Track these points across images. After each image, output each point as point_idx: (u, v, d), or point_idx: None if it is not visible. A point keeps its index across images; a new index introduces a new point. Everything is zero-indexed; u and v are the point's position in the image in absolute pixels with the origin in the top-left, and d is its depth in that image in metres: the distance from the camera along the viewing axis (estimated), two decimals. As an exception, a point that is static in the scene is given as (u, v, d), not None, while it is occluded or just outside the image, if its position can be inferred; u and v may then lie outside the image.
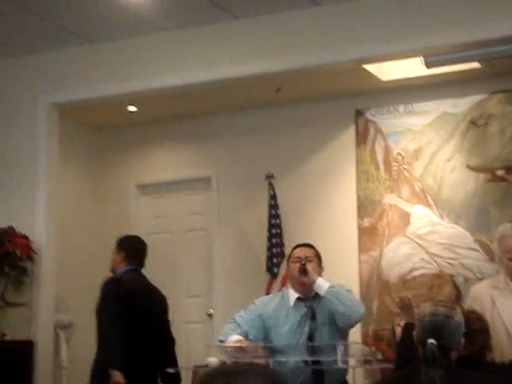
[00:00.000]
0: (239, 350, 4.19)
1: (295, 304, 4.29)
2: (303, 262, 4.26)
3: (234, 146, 7.20)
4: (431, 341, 2.76)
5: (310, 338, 4.19)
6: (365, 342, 6.38)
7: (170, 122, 7.43)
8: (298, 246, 4.60)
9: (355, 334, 6.39)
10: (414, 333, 2.90)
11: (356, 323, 4.34)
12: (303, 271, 4.20)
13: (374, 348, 5.83)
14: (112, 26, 5.79)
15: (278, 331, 4.28)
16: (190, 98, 6.69)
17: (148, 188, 7.65)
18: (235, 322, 4.34)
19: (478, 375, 2.90)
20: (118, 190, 7.73)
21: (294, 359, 4.20)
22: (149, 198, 7.68)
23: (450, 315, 2.85)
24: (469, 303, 3.89)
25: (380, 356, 4.12)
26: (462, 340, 2.88)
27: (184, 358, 7.18)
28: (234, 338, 4.14)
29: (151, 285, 5.23)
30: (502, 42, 5.12)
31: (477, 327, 3.22)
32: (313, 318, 4.22)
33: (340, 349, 3.85)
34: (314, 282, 4.18)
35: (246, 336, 4.30)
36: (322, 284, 4.17)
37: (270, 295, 4.86)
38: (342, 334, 4.23)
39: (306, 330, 4.22)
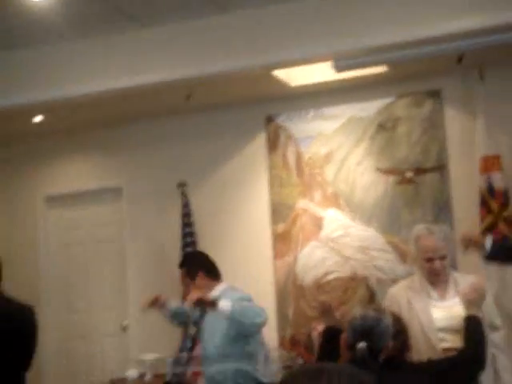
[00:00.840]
0: (159, 362, 4.18)
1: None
2: (195, 298, 4.31)
3: (144, 155, 7.11)
4: (362, 344, 2.77)
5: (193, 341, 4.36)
6: (282, 347, 6.41)
7: (78, 132, 7.26)
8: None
9: (272, 339, 6.41)
10: (343, 336, 2.91)
11: (255, 333, 4.51)
12: (200, 305, 4.36)
13: (292, 353, 5.84)
14: (15, 35, 5.63)
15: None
16: (98, 107, 6.55)
17: (57, 200, 7.46)
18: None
19: (401, 377, 2.93)
20: (26, 202, 7.52)
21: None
22: (58, 209, 7.49)
23: (379, 319, 2.88)
24: (386, 304, 3.92)
25: (300, 360, 4.14)
26: (390, 343, 2.91)
27: (99, 370, 7.06)
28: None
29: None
30: (409, 45, 5.21)
31: (396, 328, 3.24)
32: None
33: (260, 358, 3.84)
34: (216, 308, 4.28)
35: None
36: (224, 309, 4.26)
37: None
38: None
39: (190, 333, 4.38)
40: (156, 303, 4.73)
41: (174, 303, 4.73)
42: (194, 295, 4.29)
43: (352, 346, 2.84)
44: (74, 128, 7.22)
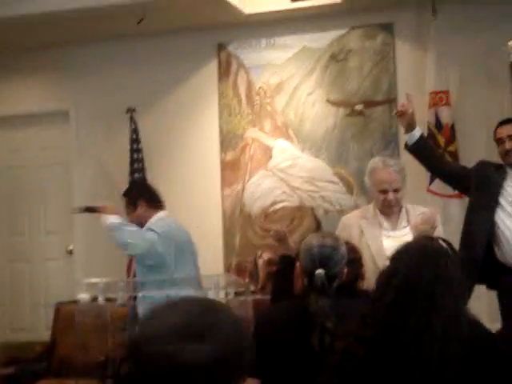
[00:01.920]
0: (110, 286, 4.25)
1: None
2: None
3: (93, 79, 6.98)
4: (320, 271, 2.83)
5: None
6: (228, 274, 6.49)
7: (25, 53, 7.06)
8: None
9: (218, 265, 6.50)
10: (298, 264, 2.96)
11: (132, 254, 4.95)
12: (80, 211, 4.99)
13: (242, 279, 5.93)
14: None
15: None
16: (47, 27, 6.40)
17: (3, 121, 7.29)
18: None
19: (355, 302, 3.00)
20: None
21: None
22: (3, 131, 7.34)
23: (336, 246, 2.94)
24: (338, 232, 4.00)
25: (252, 287, 4.21)
26: (345, 270, 2.98)
27: (43, 295, 7.07)
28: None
29: None
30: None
31: (350, 257, 3.31)
32: None
33: (214, 280, 3.91)
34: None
35: None
36: (104, 220, 4.72)
37: None
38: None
39: None
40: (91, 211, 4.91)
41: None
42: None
43: (309, 273, 2.90)
44: (21, 49, 7.02)
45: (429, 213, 3.83)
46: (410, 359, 2.13)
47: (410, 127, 4.33)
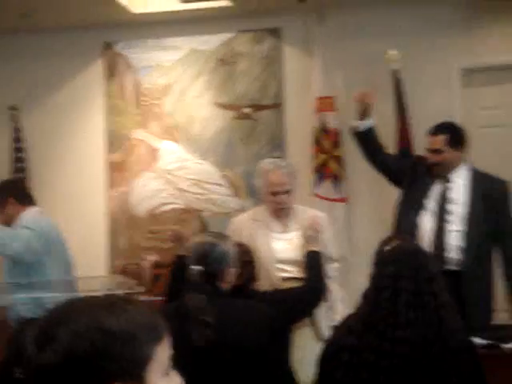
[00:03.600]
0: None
1: None
2: None
3: (-27, 75, 6.73)
4: (194, 267, 2.85)
5: None
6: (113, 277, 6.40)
7: None
8: None
9: (101, 268, 6.39)
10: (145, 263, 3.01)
11: (11, 258, 4.61)
12: None
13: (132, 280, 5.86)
14: None
15: None
16: None
17: None
18: None
19: (245, 303, 3.03)
20: None
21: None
22: None
23: (215, 243, 2.95)
24: (229, 234, 4.00)
25: (142, 288, 4.17)
26: (231, 269, 2.99)
27: None
28: None
29: None
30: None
31: (244, 259, 3.33)
32: None
33: (102, 281, 3.86)
34: None
35: None
36: None
37: None
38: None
39: None
40: None
41: None
42: None
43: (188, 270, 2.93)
44: None
45: (312, 219, 3.88)
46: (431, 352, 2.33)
47: (363, 115, 4.72)
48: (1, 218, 4.66)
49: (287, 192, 3.88)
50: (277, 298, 3.34)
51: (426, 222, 4.38)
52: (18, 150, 6.45)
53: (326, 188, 6.09)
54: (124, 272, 6.48)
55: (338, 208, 6.01)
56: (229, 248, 3.03)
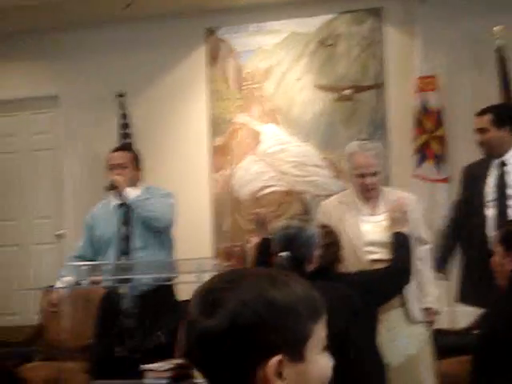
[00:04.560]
0: (94, 268, 4.28)
1: (116, 209, 4.66)
2: (111, 181, 4.56)
3: (83, 64, 6.97)
4: (282, 253, 2.87)
5: (127, 239, 4.47)
6: (217, 259, 6.52)
7: (14, 38, 7.05)
8: (114, 149, 4.85)
9: (207, 250, 6.52)
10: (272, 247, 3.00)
11: (163, 228, 4.65)
12: (108, 188, 4.58)
13: (228, 263, 5.96)
14: None
15: (98, 234, 4.50)
16: (35, 12, 6.39)
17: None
18: (76, 257, 4.57)
19: (327, 284, 3.04)
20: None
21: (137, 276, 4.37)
22: (-6, 116, 7.36)
23: (301, 228, 2.97)
24: (319, 218, 4.02)
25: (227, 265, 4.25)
26: (316, 252, 3.00)
27: (33, 279, 7.09)
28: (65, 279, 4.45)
29: None
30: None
31: (328, 241, 3.34)
32: (127, 221, 4.46)
33: (196, 265, 3.93)
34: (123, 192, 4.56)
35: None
36: (129, 194, 4.55)
37: (103, 201, 4.90)
38: (158, 233, 4.62)
39: (123, 232, 4.47)
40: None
41: None
42: (113, 176, 4.56)
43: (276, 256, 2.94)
44: (11, 33, 7.01)
45: (399, 200, 3.84)
46: None
47: None
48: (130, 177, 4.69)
49: (374, 174, 3.85)
50: (362, 280, 3.33)
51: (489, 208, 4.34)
52: (124, 135, 6.65)
53: (428, 168, 6.00)
54: (228, 254, 6.59)
55: (439, 189, 5.91)
56: (314, 231, 3.05)
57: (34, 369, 5.49)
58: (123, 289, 4.51)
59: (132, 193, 4.57)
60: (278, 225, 3.07)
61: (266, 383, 1.27)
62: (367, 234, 3.82)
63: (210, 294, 1.30)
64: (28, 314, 6.87)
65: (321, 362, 1.31)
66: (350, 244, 3.75)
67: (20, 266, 7.22)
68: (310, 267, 3.01)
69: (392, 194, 3.96)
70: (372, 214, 3.90)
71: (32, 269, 7.17)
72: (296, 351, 1.28)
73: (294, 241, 2.96)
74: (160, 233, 4.65)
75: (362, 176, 3.85)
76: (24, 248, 7.26)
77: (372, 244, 3.80)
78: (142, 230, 4.60)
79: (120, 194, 4.58)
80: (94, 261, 4.61)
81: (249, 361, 1.26)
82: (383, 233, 3.76)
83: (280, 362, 1.26)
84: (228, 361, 1.27)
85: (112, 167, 4.67)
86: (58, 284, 4.57)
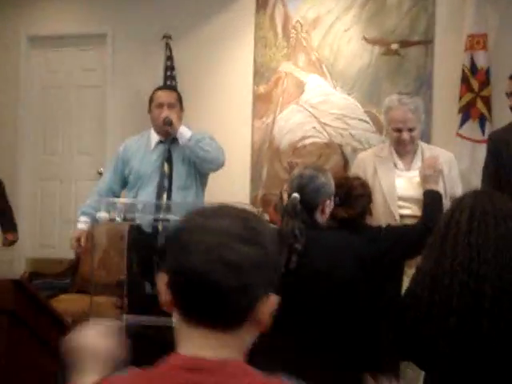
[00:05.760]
0: (131, 206, 4.33)
1: (156, 146, 4.53)
2: (167, 116, 4.52)
3: (132, 3, 6.97)
4: (294, 194, 2.93)
5: (170, 177, 4.45)
6: (253, 206, 6.56)
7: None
8: (160, 88, 4.84)
9: (245, 197, 6.57)
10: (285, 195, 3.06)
11: (216, 169, 4.68)
12: (168, 123, 4.41)
13: (261, 209, 6.00)
14: None
15: (135, 168, 4.51)
16: None
17: (40, 41, 7.36)
18: (103, 191, 4.58)
19: (338, 235, 3.07)
20: (8, 41, 7.43)
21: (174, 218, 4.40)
22: (41, 51, 7.41)
23: (315, 175, 3.02)
24: (353, 170, 4.03)
25: (266, 217, 4.28)
26: (328, 201, 3.04)
27: (73, 214, 7.21)
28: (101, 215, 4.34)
29: None
30: None
31: (358, 192, 3.36)
32: (169, 159, 4.49)
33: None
34: (177, 131, 4.51)
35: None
36: (184, 133, 4.52)
37: (135, 136, 4.89)
38: (200, 175, 4.62)
39: (165, 170, 4.49)
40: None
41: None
42: (167, 112, 4.50)
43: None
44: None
45: (431, 158, 3.82)
46: None
47: None
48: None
49: (411, 129, 3.83)
50: (390, 233, 3.34)
51: None
52: (169, 77, 6.67)
53: (471, 128, 5.93)
54: (264, 202, 6.63)
55: (481, 149, 5.83)
56: (327, 181, 3.08)
57: (66, 301, 5.64)
58: (151, 227, 4.55)
59: (187, 132, 4.55)
60: (294, 173, 3.12)
61: (262, 317, 1.34)
62: (400, 188, 3.82)
63: (239, 229, 1.36)
64: (67, 247, 7.00)
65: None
66: (382, 197, 3.76)
67: (61, 200, 7.35)
68: (324, 217, 3.05)
69: (430, 151, 3.94)
70: (407, 170, 3.89)
71: (73, 204, 7.28)
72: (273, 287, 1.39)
73: (305, 187, 3.02)
74: (201, 174, 4.68)
75: (399, 130, 3.83)
76: (65, 183, 7.38)
77: (404, 199, 3.81)
78: (184, 169, 4.61)
79: (173, 132, 4.57)
80: (119, 195, 4.67)
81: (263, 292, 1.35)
82: (416, 189, 3.76)
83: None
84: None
85: (161, 105, 4.66)
86: (80, 220, 4.61)
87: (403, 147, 3.88)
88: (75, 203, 7.25)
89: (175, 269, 1.36)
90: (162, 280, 1.38)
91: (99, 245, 4.65)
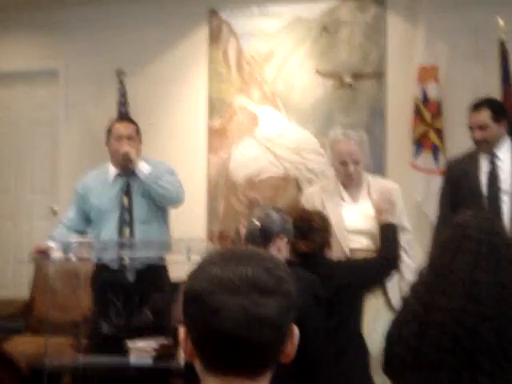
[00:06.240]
0: (83, 245, 4.25)
1: (115, 179, 4.50)
2: (126, 152, 4.49)
3: (84, 39, 6.93)
4: (255, 222, 2.93)
5: (130, 211, 4.40)
6: (210, 241, 6.51)
7: (15, 12, 7.02)
8: (119, 120, 4.80)
9: (200, 232, 6.52)
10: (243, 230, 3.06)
11: (175, 206, 4.70)
12: (128, 160, 4.38)
13: (219, 245, 5.96)
14: None
15: (94, 204, 4.45)
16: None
17: (-10, 79, 7.29)
18: (66, 227, 4.51)
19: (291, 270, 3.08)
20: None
21: (125, 256, 4.35)
22: (-11, 89, 7.34)
23: (271, 213, 3.05)
24: (303, 204, 4.04)
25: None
26: (286, 239, 3.07)
27: (26, 253, 7.07)
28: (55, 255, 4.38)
29: None
30: None
31: (318, 226, 3.35)
32: (128, 192, 4.44)
33: (185, 246, 3.93)
34: (136, 166, 4.49)
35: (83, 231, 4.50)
36: (143, 169, 4.49)
37: (93, 171, 4.84)
38: (161, 208, 4.60)
39: (124, 203, 4.45)
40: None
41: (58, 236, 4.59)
42: (126, 147, 4.39)
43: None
44: (12, 7, 6.98)
45: (385, 191, 3.85)
46: None
47: None
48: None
49: (356, 162, 3.87)
50: (348, 268, 3.34)
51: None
52: (123, 113, 6.62)
53: (425, 159, 5.98)
54: (221, 237, 6.59)
55: (435, 180, 5.89)
56: (284, 220, 3.10)
57: (21, 343, 5.50)
58: (117, 264, 4.48)
59: (145, 167, 4.51)
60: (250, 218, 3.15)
61: (290, 351, 1.39)
62: (349, 221, 3.84)
63: (263, 279, 1.34)
64: (21, 287, 6.88)
65: None
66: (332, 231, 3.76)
67: (14, 239, 7.23)
68: (279, 255, 3.05)
69: (376, 183, 3.98)
70: (354, 202, 3.92)
71: (26, 243, 7.15)
72: None
73: (262, 220, 3.03)
74: (162, 208, 4.63)
75: (344, 163, 3.86)
76: (19, 222, 7.26)
77: (353, 232, 3.82)
78: (144, 202, 4.56)
79: (132, 167, 4.51)
80: (85, 232, 4.58)
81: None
82: (365, 221, 3.79)
83: None
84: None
85: (119, 138, 4.61)
86: (50, 243, 4.51)
87: (349, 180, 3.91)
88: (29, 242, 7.12)
89: (204, 330, 1.33)
90: (182, 332, 1.37)
91: (54, 284, 4.57)
